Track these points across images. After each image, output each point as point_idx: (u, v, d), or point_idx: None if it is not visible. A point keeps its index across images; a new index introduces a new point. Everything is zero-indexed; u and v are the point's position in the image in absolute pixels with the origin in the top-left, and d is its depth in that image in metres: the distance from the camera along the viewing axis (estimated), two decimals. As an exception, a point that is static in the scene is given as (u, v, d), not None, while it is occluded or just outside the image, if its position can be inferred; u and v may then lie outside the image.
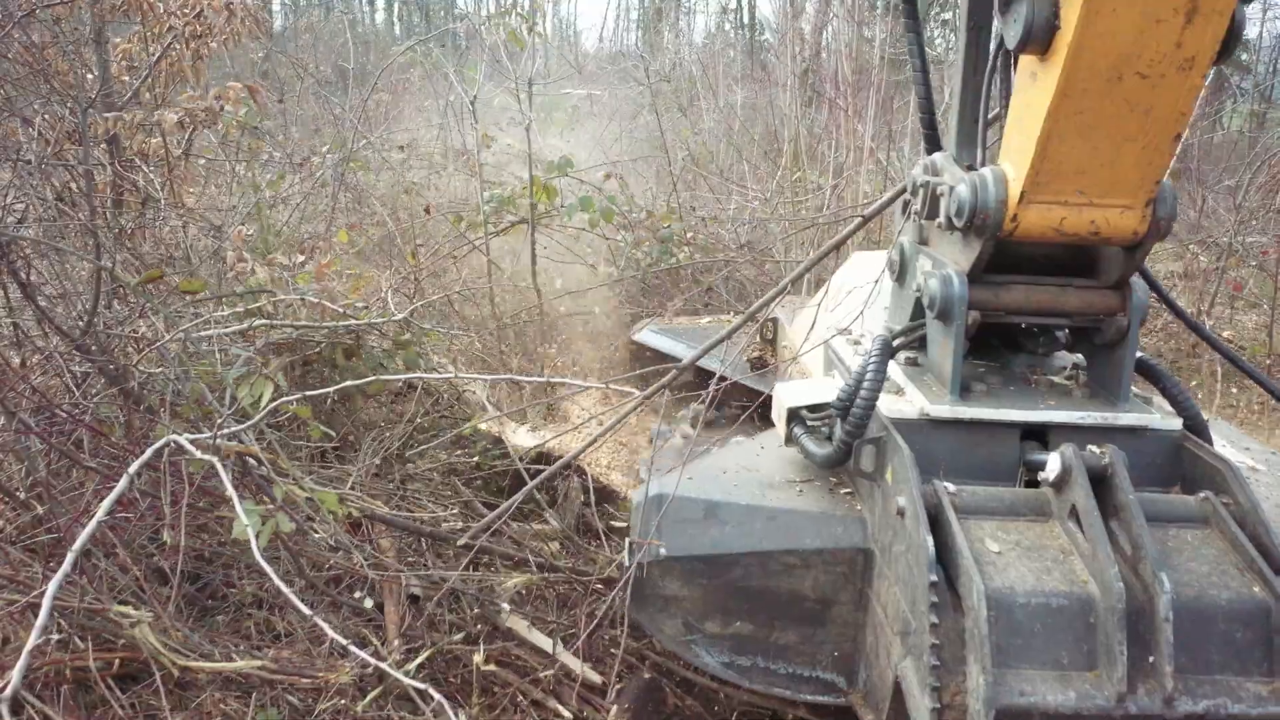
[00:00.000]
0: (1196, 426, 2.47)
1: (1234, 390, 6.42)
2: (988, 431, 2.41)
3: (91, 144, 4.06)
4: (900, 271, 2.85)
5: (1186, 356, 6.93)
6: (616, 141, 7.73)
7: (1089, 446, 2.19)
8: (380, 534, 3.63)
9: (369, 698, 2.86)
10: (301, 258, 4.38)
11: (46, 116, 4.11)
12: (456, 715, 2.97)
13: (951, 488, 2.21)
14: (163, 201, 4.49)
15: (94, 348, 3.26)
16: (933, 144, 2.89)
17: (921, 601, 2.01)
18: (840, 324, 3.38)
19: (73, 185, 4.16)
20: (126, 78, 4.82)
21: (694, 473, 2.78)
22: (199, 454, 2.46)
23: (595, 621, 3.17)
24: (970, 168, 2.52)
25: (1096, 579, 1.95)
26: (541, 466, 3.97)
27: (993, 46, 2.43)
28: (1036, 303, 2.47)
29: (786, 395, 2.85)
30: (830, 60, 10.97)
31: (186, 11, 4.61)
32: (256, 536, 2.44)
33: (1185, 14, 1.86)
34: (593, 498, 4.01)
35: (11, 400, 3.02)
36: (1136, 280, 2.44)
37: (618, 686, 3.11)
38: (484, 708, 3.06)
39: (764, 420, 3.15)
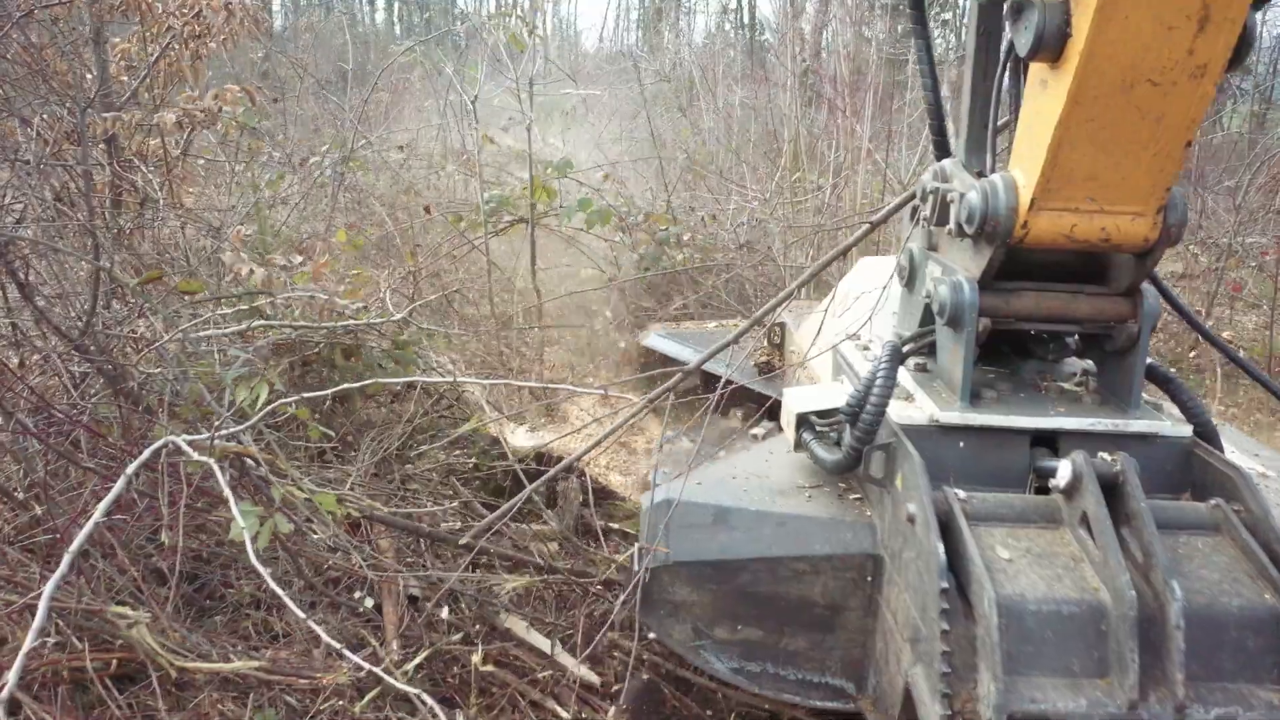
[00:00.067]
0: (1207, 433, 2.47)
1: (1239, 391, 6.41)
2: (998, 438, 2.41)
3: (90, 144, 4.05)
4: (909, 277, 2.84)
5: (1187, 357, 6.92)
6: (616, 141, 7.73)
7: (1100, 453, 2.19)
8: (379, 535, 3.62)
9: (367, 699, 2.86)
10: (300, 258, 4.37)
11: (45, 117, 4.11)
12: (454, 716, 2.98)
13: (962, 494, 2.21)
14: (161, 202, 4.48)
15: (92, 348, 3.25)
16: (942, 150, 2.88)
17: (932, 608, 2.01)
18: (848, 329, 3.38)
19: (71, 185, 4.15)
20: (125, 78, 4.82)
21: (703, 478, 2.78)
22: (196, 455, 2.46)
23: (595, 623, 3.17)
24: (980, 174, 2.52)
25: (1108, 586, 1.95)
26: (541, 467, 3.97)
27: (1003, 53, 2.43)
28: (1047, 309, 2.46)
29: (795, 401, 2.84)
30: (829, 60, 10.98)
31: (185, 11, 4.61)
32: (254, 538, 2.44)
33: (1198, 22, 1.86)
34: (591, 498, 4.01)
35: (10, 400, 3.02)
36: (1147, 287, 2.44)
37: (616, 687, 3.11)
38: (482, 708, 3.06)
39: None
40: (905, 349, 2.69)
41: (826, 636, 2.58)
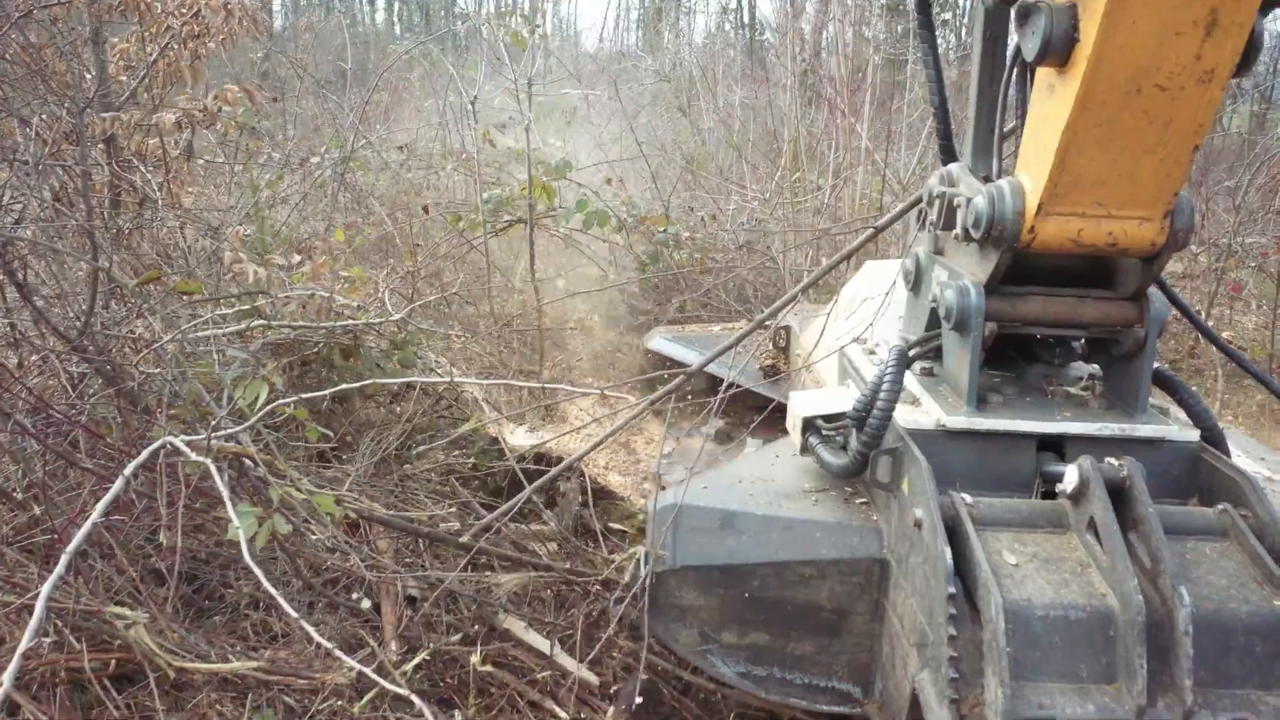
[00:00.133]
0: (1214, 438, 2.47)
1: (1240, 392, 6.41)
2: (1004, 443, 2.40)
3: (89, 144, 4.05)
4: (915, 282, 2.84)
5: (1186, 357, 6.92)
6: (616, 142, 7.73)
7: (1107, 459, 2.18)
8: (378, 535, 3.62)
9: (365, 699, 2.86)
10: (299, 258, 4.37)
11: (44, 117, 4.11)
12: (453, 716, 2.98)
13: (969, 499, 2.20)
14: (160, 202, 4.48)
15: (91, 348, 3.25)
16: (948, 154, 2.88)
17: (939, 613, 2.01)
18: (853, 333, 3.37)
19: (70, 185, 4.15)
20: (124, 78, 4.82)
21: (710, 482, 2.78)
22: (194, 455, 2.46)
23: (595, 623, 3.17)
24: (986, 179, 2.52)
25: (1115, 592, 1.95)
26: (540, 467, 3.97)
27: (1009, 57, 2.43)
28: (1054, 314, 2.46)
29: (801, 405, 2.84)
30: (829, 60, 10.98)
31: (184, 11, 4.61)
32: (252, 539, 2.44)
33: (1205, 27, 1.86)
34: (591, 499, 4.01)
35: (8, 401, 3.02)
36: (1154, 291, 2.43)
37: (615, 688, 3.11)
38: (481, 709, 3.06)
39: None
40: (911, 353, 2.69)
41: (833, 641, 2.58)
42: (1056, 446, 2.41)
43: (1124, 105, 1.99)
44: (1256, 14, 1.88)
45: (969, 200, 2.38)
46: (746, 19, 22.06)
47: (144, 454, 2.48)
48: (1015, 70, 2.40)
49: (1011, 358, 2.72)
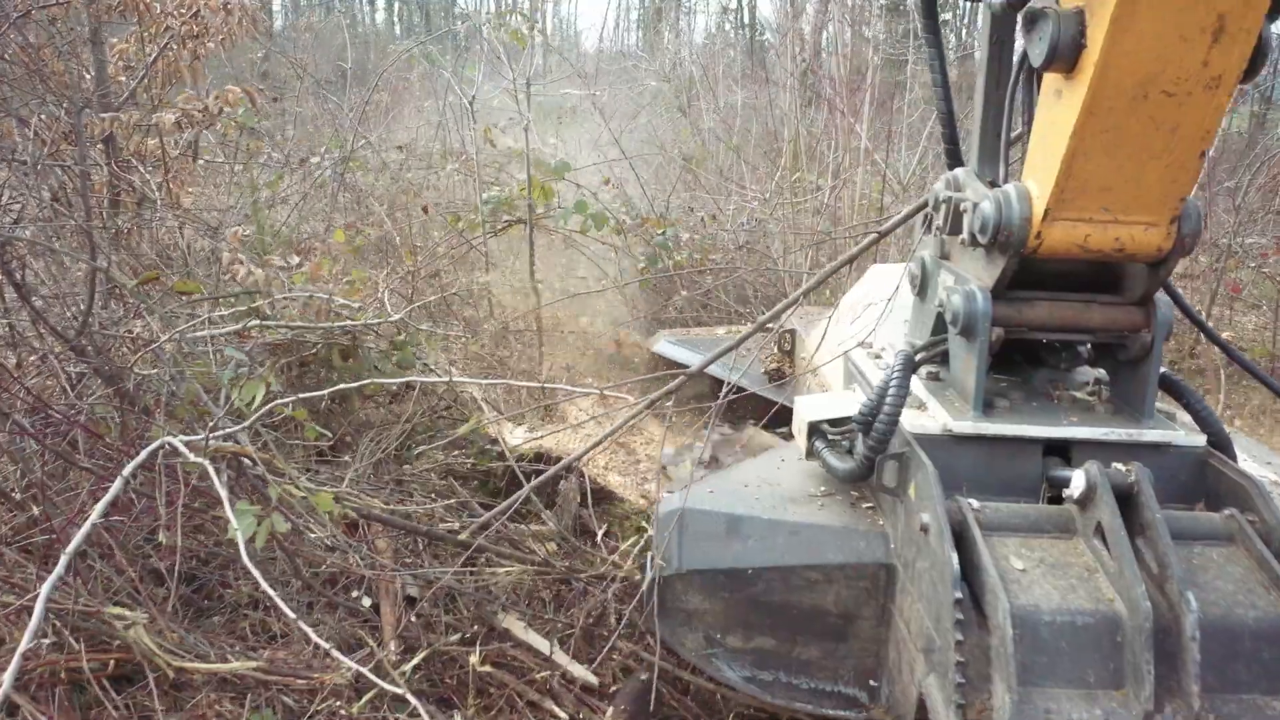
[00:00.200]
0: (1220, 442, 2.46)
1: (1239, 393, 6.41)
2: (1010, 447, 2.40)
3: (87, 144, 4.05)
4: (921, 286, 2.84)
5: (1186, 357, 6.92)
6: (615, 143, 7.72)
7: (1114, 464, 2.18)
8: (377, 534, 3.62)
9: (364, 699, 2.86)
10: (298, 259, 4.37)
11: (43, 117, 4.11)
12: (452, 717, 2.98)
13: (976, 504, 2.20)
14: (159, 202, 4.48)
15: (89, 348, 3.25)
16: (954, 159, 2.88)
17: (946, 619, 2.01)
18: (859, 337, 3.37)
19: (69, 186, 4.16)
20: (123, 78, 4.82)
21: (715, 486, 2.78)
22: (193, 455, 2.46)
23: (594, 623, 3.17)
24: (993, 183, 2.52)
25: (1123, 597, 1.95)
26: (540, 467, 3.97)
27: (1015, 62, 2.42)
28: (1060, 319, 2.46)
29: (807, 409, 2.84)
30: (829, 60, 10.98)
31: (183, 11, 4.61)
32: (251, 539, 2.44)
33: (1212, 33, 1.86)
34: (590, 499, 4.00)
35: (7, 401, 3.02)
36: (1161, 296, 2.43)
37: (614, 688, 3.11)
38: (480, 709, 3.06)
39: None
40: (917, 358, 2.69)
41: (839, 645, 2.58)
42: (1063, 451, 2.41)
43: (1131, 111, 1.99)
44: (1264, 20, 1.88)
45: (975, 205, 2.38)
46: (746, 19, 22.09)
47: (143, 454, 2.48)
48: (1022, 75, 2.40)
49: (1018, 362, 2.72)
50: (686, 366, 4.90)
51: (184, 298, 3.76)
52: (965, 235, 2.46)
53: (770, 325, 4.06)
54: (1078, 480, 2.16)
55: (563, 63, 11.42)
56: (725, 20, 22.44)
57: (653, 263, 6.56)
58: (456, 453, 4.33)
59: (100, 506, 2.31)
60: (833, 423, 2.79)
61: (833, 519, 2.62)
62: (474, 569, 3.47)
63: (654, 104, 11.31)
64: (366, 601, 3.27)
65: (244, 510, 2.49)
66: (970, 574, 2.06)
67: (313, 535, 3.31)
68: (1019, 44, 2.31)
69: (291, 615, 2.27)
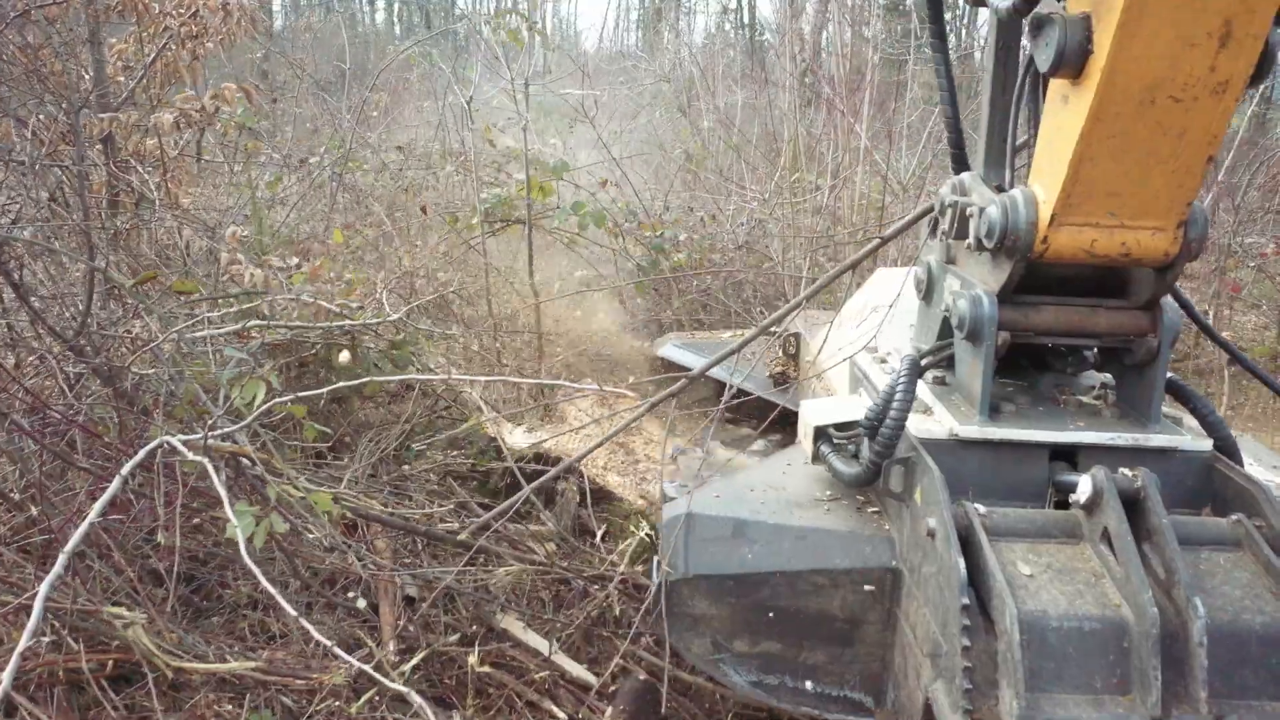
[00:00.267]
0: (1227, 447, 2.46)
1: (1239, 393, 6.42)
2: (1017, 452, 2.39)
3: (85, 144, 4.05)
4: (927, 290, 2.84)
5: (1188, 358, 6.92)
6: (615, 143, 7.71)
7: (1120, 469, 2.18)
8: (376, 535, 3.62)
9: (363, 699, 2.86)
10: (296, 259, 4.37)
11: (41, 117, 4.11)
12: (451, 717, 2.97)
13: (982, 509, 2.20)
14: (158, 202, 4.48)
15: (88, 348, 3.25)
16: (960, 163, 2.88)
17: (953, 624, 2.00)
18: (864, 341, 3.36)
19: (67, 186, 4.15)
20: (122, 78, 4.82)
21: (721, 490, 2.78)
22: (191, 455, 2.45)
23: (593, 623, 3.17)
24: (999, 188, 2.51)
25: (1130, 603, 1.94)
26: (539, 467, 3.96)
27: (1022, 67, 2.42)
28: (1066, 323, 2.45)
29: (813, 413, 2.84)
30: (828, 60, 10.98)
31: (182, 11, 4.61)
32: (250, 538, 2.44)
33: (1219, 39, 1.85)
34: (589, 499, 4.00)
35: (5, 401, 3.02)
36: (1167, 301, 2.43)
37: (613, 688, 3.10)
38: (479, 709, 3.06)
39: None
40: (924, 362, 2.68)
41: (845, 650, 2.57)
42: (1069, 456, 2.40)
43: (1138, 116, 1.98)
44: (1271, 26, 1.88)
45: (982, 210, 2.38)
46: (746, 19, 22.08)
47: (141, 453, 2.48)
48: (1028, 80, 2.40)
49: (1024, 367, 2.71)
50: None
51: (182, 298, 3.75)
52: (971, 240, 2.45)
53: (773, 329, 4.06)
54: (1084, 485, 2.15)
55: (562, 63, 11.43)
56: (725, 20, 22.46)
57: (651, 267, 6.55)
58: (456, 453, 4.33)
59: (99, 506, 2.30)
60: (839, 427, 2.79)
61: (839, 524, 2.61)
62: (473, 568, 3.47)
63: (654, 104, 11.30)
64: (361, 603, 3.26)
65: (243, 510, 2.49)
66: (977, 579, 2.06)
67: (311, 535, 3.31)
68: (1025, 49, 2.30)
69: (293, 613, 2.27)
